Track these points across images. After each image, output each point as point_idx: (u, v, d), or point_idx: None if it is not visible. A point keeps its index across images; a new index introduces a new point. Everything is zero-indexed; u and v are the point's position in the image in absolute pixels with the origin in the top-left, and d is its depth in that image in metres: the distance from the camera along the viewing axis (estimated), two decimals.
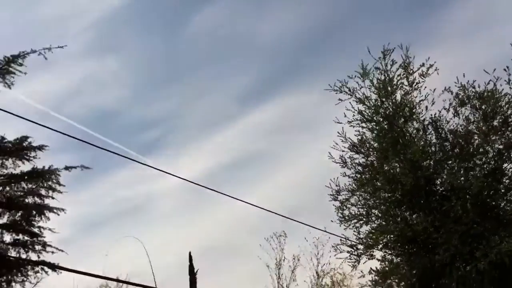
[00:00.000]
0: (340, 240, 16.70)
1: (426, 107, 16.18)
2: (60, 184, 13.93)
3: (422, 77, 15.98)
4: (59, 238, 14.80)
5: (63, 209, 14.14)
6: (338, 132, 16.71)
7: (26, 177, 12.63)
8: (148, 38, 38.13)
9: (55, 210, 13.82)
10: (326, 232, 16.12)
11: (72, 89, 34.34)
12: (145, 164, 9.02)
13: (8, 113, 7.68)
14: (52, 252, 13.78)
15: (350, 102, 16.60)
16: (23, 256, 12.79)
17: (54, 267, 12.65)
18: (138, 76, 39.16)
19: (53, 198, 13.87)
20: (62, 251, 14.07)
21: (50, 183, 13.42)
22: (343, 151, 16.96)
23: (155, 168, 9.03)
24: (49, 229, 14.14)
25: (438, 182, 15.99)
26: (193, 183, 9.70)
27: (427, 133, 16.28)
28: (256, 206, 10.25)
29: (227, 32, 37.70)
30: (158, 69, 39.55)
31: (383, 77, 16.26)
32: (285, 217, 11.09)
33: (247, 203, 9.95)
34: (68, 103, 33.69)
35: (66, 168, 13.79)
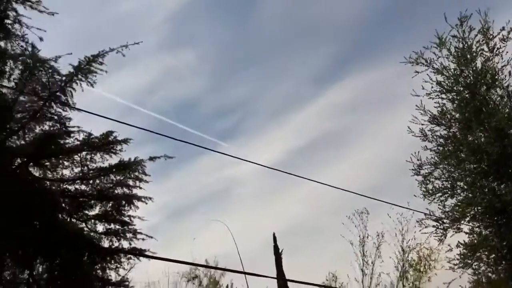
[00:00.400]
0: (425, 214, 16.42)
1: (510, 72, 15.51)
2: (146, 174, 14.44)
3: (503, 42, 15.36)
4: (148, 225, 15.45)
5: (150, 198, 14.68)
6: (417, 105, 16.39)
7: (114, 170, 13.13)
8: (221, 26, 38.59)
9: (143, 199, 14.35)
10: (407, 208, 15.80)
11: (152, 82, 35.43)
12: (220, 152, 9.12)
13: (90, 113, 8.02)
14: (143, 239, 14.36)
15: (427, 74, 16.22)
16: (116, 244, 13.43)
17: (141, 255, 13.21)
18: (214, 65, 39.78)
19: (140, 188, 14.42)
20: (152, 237, 14.64)
21: (136, 173, 13.96)
22: (422, 124, 16.63)
23: (231, 155, 9.14)
24: (139, 217, 14.74)
25: None
26: (270, 168, 9.74)
27: None
28: (333, 186, 10.17)
29: (298, 13, 37.48)
30: (233, 56, 39.96)
31: (461, 45, 15.74)
32: (363, 195, 10.92)
33: (324, 184, 9.90)
34: (149, 97, 34.82)
35: (151, 158, 14.26)
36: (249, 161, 9.34)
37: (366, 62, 37.53)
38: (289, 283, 23.82)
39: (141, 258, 14.49)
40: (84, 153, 12.44)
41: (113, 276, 12.99)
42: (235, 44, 38.65)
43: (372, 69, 36.12)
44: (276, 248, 24.86)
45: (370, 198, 11.50)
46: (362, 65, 36.82)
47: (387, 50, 34.68)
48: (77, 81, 11.40)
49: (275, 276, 22.30)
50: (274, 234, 24.97)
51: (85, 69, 11.38)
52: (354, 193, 10.94)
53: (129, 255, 13.63)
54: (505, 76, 15.55)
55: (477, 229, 15.99)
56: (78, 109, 11.56)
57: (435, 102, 16.35)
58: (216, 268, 21.00)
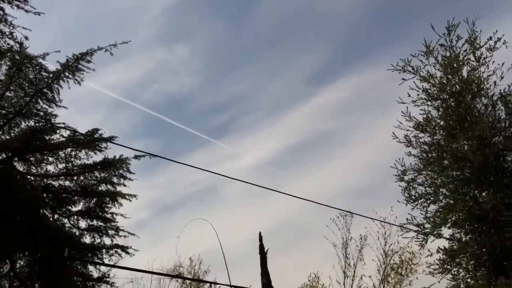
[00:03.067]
0: (406, 219, 16.63)
1: (495, 82, 15.70)
2: (130, 172, 14.55)
3: (490, 51, 15.53)
4: (137, 221, 15.52)
5: (135, 195, 14.79)
6: (402, 112, 16.54)
7: (98, 167, 13.27)
8: (216, 22, 38.62)
9: (127, 197, 14.48)
10: (382, 221, 16.07)
11: (145, 77, 35.45)
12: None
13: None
14: (125, 236, 14.50)
15: (414, 81, 16.40)
16: (98, 240, 13.53)
17: (110, 265, 13.29)
18: (208, 61, 39.78)
19: (124, 185, 14.57)
20: (134, 235, 14.75)
21: (121, 171, 14.08)
22: (407, 130, 16.80)
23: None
24: (121, 215, 14.90)
25: (509, 159, 15.56)
26: (248, 183, 9.70)
27: (496, 109, 15.83)
28: (309, 200, 10.21)
29: (295, 12, 37.54)
30: (227, 53, 40.03)
31: (448, 54, 15.91)
32: (339, 209, 11.08)
33: (298, 197, 9.94)
34: (141, 91, 34.83)
35: (136, 157, 14.40)
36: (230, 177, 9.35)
37: (360, 64, 37.69)
38: (274, 283, 24.04)
39: (123, 255, 14.64)
40: (69, 149, 12.56)
41: (94, 272, 13.13)
42: (230, 41, 38.67)
43: (367, 71, 36.26)
44: (261, 247, 24.96)
45: (342, 210, 11.68)
46: (356, 66, 36.94)
47: (383, 53, 34.80)
48: (64, 78, 11.54)
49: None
50: (260, 234, 25.04)
51: (72, 67, 11.49)
52: (327, 206, 10.99)
53: (111, 252, 13.75)
54: (490, 85, 15.77)
55: (457, 235, 16.22)
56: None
57: (420, 109, 16.56)
58: (179, 277, 21.13)
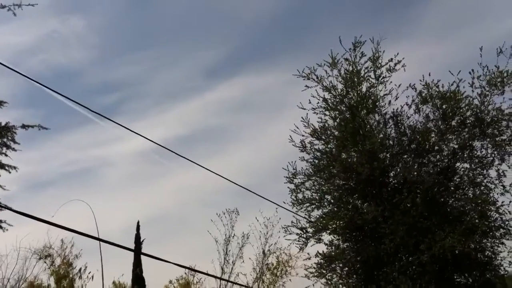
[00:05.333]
0: (291, 222, 17.06)
1: (390, 101, 16.69)
2: (15, 142, 13.61)
3: (389, 72, 16.43)
4: (3, 194, 14.42)
5: (15, 167, 13.83)
6: (302, 118, 17.00)
7: None
8: (117, 1, 37.25)
9: (6, 168, 13.51)
10: (281, 206, 16.30)
11: (33, 45, 33.31)
12: (111, 120, 8.74)
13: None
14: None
15: (316, 90, 16.89)
16: None
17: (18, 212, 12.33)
18: (104, 38, 38.22)
19: (6, 155, 13.55)
20: (11, 209, 13.76)
21: (5, 140, 13.10)
22: (303, 136, 17.27)
23: (122, 126, 8.81)
24: (0, 186, 13.84)
25: (392, 175, 16.53)
26: (157, 144, 9.56)
27: (387, 127, 16.80)
28: (217, 173, 10.24)
29: (201, 3, 37.17)
30: (126, 32, 38.72)
31: (351, 68, 16.58)
32: (242, 187, 11.11)
33: (209, 170, 9.92)
34: (27, 59, 32.66)
35: (23, 126, 13.44)
36: (133, 131, 9.05)
37: (260, 64, 38.24)
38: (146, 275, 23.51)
39: None
40: None
41: None
42: (130, 21, 37.49)
43: (265, 73, 36.92)
44: (137, 236, 24.43)
45: (245, 189, 11.68)
46: (256, 66, 37.40)
47: (283, 57, 35.45)
48: None
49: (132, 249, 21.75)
50: (138, 222, 24.55)
51: None
52: (231, 181, 11.01)
53: None
54: (385, 104, 16.71)
55: (336, 242, 16.84)
56: None
57: (318, 117, 17.10)
58: (78, 232, 20.12)
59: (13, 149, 13.58)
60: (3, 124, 12.99)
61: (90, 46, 37.21)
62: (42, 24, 32.52)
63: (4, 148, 13.32)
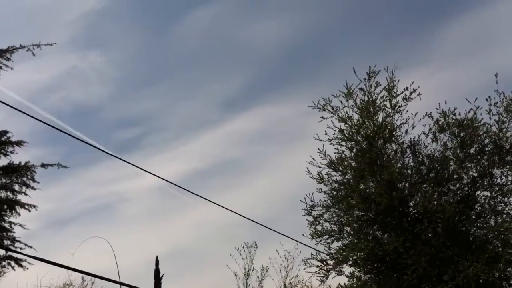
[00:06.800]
0: (311, 254, 16.90)
1: (406, 130, 16.58)
2: (34, 181, 13.72)
3: (405, 101, 16.35)
4: (24, 233, 14.50)
5: (34, 206, 13.95)
6: (319, 149, 16.95)
7: (1, 172, 12.41)
8: (135, 36, 37.78)
9: (26, 206, 13.60)
10: (299, 242, 16.20)
11: (52, 82, 33.73)
12: (123, 160, 8.77)
13: None
14: (21, 248, 13.54)
15: (332, 120, 16.87)
16: None
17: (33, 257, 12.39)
18: (122, 73, 38.62)
19: (25, 194, 13.65)
20: (31, 247, 13.81)
21: (24, 179, 13.22)
22: (320, 167, 17.19)
23: (133, 165, 8.83)
24: (20, 225, 13.91)
25: (412, 204, 16.31)
26: (171, 183, 9.57)
27: (405, 156, 16.66)
28: (232, 211, 10.22)
29: (217, 35, 37.50)
30: (144, 67, 39.10)
31: (366, 98, 16.54)
32: (259, 224, 11.06)
33: (223, 207, 9.90)
34: (47, 96, 33.05)
35: (43, 165, 13.57)
36: (147, 171, 9.07)
37: (278, 95, 38.20)
38: None
39: (15, 267, 13.61)
40: None
41: None
42: (148, 56, 37.89)
43: (284, 103, 36.81)
44: (157, 272, 24.32)
45: (262, 225, 11.63)
46: (274, 97, 37.38)
47: (299, 88, 35.36)
48: None
49: None
50: (157, 258, 24.46)
51: None
52: (247, 218, 10.98)
53: (3, 263, 12.78)
54: (402, 133, 16.59)
55: (357, 273, 16.64)
56: None
57: (335, 148, 17.05)
58: (94, 275, 20.02)
59: (33, 188, 13.70)
60: (22, 163, 13.13)
61: (109, 81, 37.70)
62: (61, 61, 33.04)
63: (24, 187, 13.44)
